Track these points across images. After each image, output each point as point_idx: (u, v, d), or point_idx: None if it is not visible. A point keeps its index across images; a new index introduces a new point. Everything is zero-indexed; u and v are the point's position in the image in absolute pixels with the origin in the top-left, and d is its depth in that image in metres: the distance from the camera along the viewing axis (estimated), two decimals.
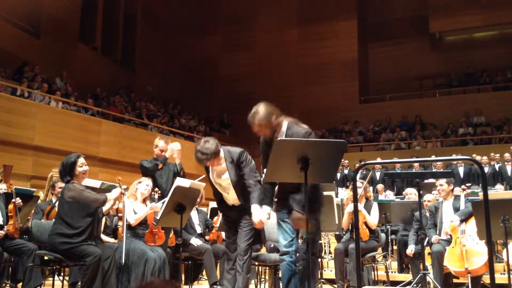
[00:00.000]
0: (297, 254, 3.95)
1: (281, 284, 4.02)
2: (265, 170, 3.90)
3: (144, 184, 5.36)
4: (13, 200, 5.44)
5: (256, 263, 5.59)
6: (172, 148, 5.71)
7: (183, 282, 6.13)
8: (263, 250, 6.65)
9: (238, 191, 4.37)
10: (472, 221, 5.44)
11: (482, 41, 19.16)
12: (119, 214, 5.03)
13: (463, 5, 18.00)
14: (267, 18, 20.15)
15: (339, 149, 3.46)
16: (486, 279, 5.54)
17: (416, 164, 12.89)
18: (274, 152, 3.36)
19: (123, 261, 4.74)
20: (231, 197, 4.47)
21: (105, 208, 4.79)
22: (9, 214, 5.36)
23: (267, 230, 5.78)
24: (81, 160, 4.55)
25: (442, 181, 5.93)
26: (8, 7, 13.52)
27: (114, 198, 4.64)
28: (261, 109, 3.84)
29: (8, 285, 5.82)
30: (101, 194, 4.50)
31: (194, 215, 6.42)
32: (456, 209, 5.73)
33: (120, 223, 5.01)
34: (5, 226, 5.29)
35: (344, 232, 6.23)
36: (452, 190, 5.93)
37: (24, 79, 12.24)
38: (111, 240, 5.54)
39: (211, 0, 20.98)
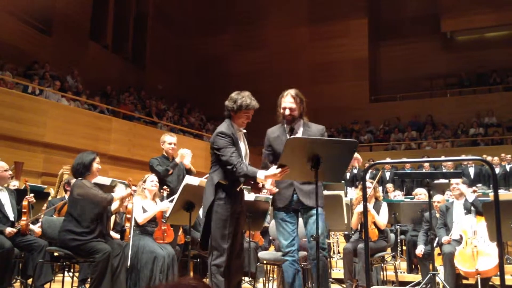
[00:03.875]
0: (299, 253, 3.97)
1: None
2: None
3: (149, 181, 5.36)
4: (27, 196, 5.50)
5: (264, 262, 5.60)
6: (182, 154, 5.70)
7: None
8: (271, 249, 6.66)
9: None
10: (484, 222, 5.40)
11: (494, 41, 19.00)
12: (128, 216, 5.05)
13: (475, 4, 17.85)
14: (278, 16, 20.12)
15: (350, 149, 3.45)
16: (496, 280, 5.50)
17: (426, 164, 12.81)
18: (286, 150, 3.35)
19: (129, 262, 4.74)
20: None
21: (113, 207, 4.82)
22: (23, 210, 5.42)
23: (275, 229, 5.78)
24: (98, 159, 4.70)
25: (458, 180, 5.92)
26: (20, 5, 13.64)
27: (120, 197, 4.66)
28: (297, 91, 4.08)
29: (18, 280, 5.87)
30: (107, 194, 4.53)
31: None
32: (467, 210, 5.70)
33: (127, 224, 5.03)
34: (16, 223, 5.33)
35: (353, 232, 6.21)
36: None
37: (35, 77, 12.34)
38: (119, 236, 5.57)
39: None
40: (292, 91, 4.05)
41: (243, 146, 4.03)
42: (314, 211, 3.85)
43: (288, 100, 4.01)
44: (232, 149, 3.81)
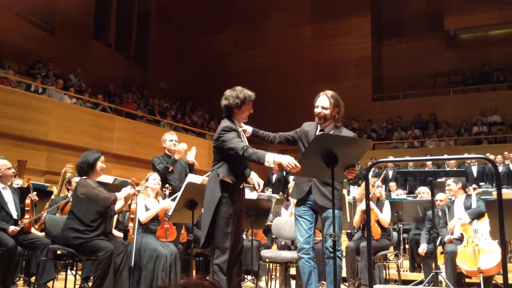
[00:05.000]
0: (314, 251, 4.00)
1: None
2: None
3: (152, 179, 5.38)
4: (30, 195, 5.51)
5: (267, 260, 5.60)
6: (179, 150, 5.71)
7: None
8: (274, 247, 6.66)
9: None
10: (485, 220, 5.40)
11: (498, 39, 18.95)
12: (131, 216, 5.06)
13: (478, 2, 17.81)
14: (280, 15, 20.10)
15: (364, 148, 3.46)
16: (499, 279, 5.49)
17: (429, 163, 12.80)
18: (312, 144, 3.34)
19: (133, 260, 4.75)
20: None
21: (117, 207, 4.83)
22: (26, 209, 5.44)
23: (278, 227, 5.78)
24: (102, 158, 4.72)
25: (450, 180, 5.92)
26: (24, 4, 13.67)
27: (124, 197, 4.67)
28: (336, 94, 4.06)
29: (21, 279, 5.89)
30: (111, 194, 4.54)
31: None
32: (467, 208, 5.69)
33: (130, 224, 5.04)
34: (19, 221, 5.35)
35: (355, 230, 6.21)
36: (462, 188, 5.89)
37: (39, 76, 12.37)
38: (122, 235, 5.57)
39: None
40: (328, 92, 4.10)
41: (245, 141, 4.03)
42: (329, 213, 3.88)
43: (322, 99, 4.06)
44: (239, 139, 3.83)
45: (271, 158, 3.59)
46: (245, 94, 3.98)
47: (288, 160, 3.46)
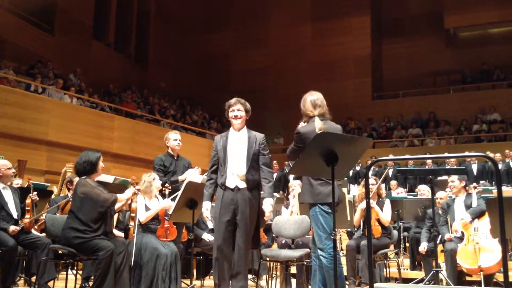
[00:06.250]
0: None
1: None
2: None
3: (158, 179, 5.38)
4: (30, 194, 5.51)
5: (267, 259, 5.60)
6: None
7: (194, 277, 6.16)
8: (275, 246, 6.66)
9: (249, 165, 4.33)
10: (485, 218, 5.39)
11: (497, 37, 18.92)
12: (132, 214, 5.05)
13: (478, 0, 17.79)
14: (281, 14, 20.09)
15: (363, 146, 3.46)
16: (499, 277, 5.49)
17: (429, 161, 12.79)
18: (311, 145, 3.34)
19: (133, 260, 4.75)
20: (239, 171, 4.31)
21: (117, 206, 4.82)
22: (26, 208, 5.44)
23: (278, 226, 5.78)
24: (101, 157, 4.75)
25: (454, 177, 5.90)
26: (23, 3, 13.67)
27: (125, 198, 4.67)
28: (308, 97, 4.48)
29: (22, 278, 5.90)
30: (111, 194, 4.54)
31: None
32: (468, 206, 5.68)
33: (131, 223, 5.04)
34: (19, 221, 5.35)
35: (355, 229, 6.21)
36: (464, 187, 5.88)
37: (38, 75, 12.36)
38: (123, 234, 5.57)
39: None
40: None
41: (237, 146, 4.34)
42: (311, 209, 3.99)
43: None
44: (211, 162, 4.47)
45: (204, 208, 4.40)
46: (226, 104, 4.52)
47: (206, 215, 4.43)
